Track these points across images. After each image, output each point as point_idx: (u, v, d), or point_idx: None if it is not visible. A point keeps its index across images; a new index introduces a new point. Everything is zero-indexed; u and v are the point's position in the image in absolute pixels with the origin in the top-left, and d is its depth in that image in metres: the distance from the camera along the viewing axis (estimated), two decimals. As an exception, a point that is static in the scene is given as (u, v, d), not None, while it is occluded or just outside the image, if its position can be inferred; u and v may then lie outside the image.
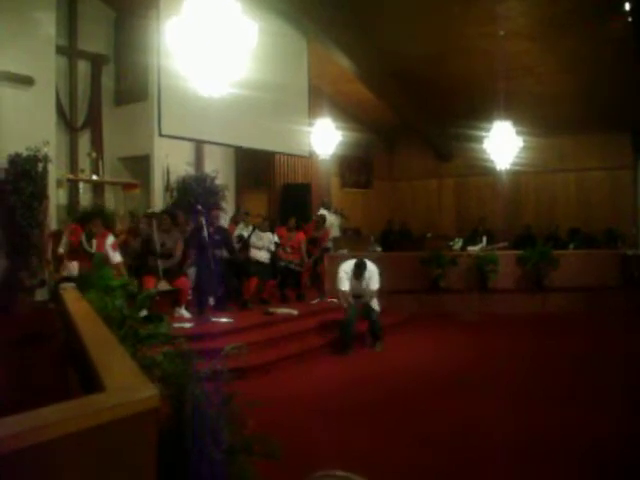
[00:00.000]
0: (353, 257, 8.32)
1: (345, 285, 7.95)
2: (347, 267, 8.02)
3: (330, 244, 11.61)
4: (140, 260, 7.89)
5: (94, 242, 7.18)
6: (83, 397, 1.92)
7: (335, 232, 12.26)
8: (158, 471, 1.73)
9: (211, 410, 2.30)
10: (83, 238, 7.16)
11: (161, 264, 7.81)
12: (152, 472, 1.70)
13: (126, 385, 1.82)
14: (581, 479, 3.87)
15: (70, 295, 4.68)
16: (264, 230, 9.71)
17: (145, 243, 7.99)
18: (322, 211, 12.29)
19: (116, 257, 7.25)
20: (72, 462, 1.50)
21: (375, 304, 8.08)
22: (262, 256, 9.50)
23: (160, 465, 1.75)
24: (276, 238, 9.94)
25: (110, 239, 7.33)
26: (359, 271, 7.86)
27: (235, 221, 10.53)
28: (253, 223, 10.26)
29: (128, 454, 1.63)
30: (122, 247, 7.76)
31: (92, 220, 7.28)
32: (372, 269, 8.03)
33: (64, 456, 1.48)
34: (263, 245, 9.55)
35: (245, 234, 9.87)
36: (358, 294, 8.03)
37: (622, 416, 4.99)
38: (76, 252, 7.13)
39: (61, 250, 7.31)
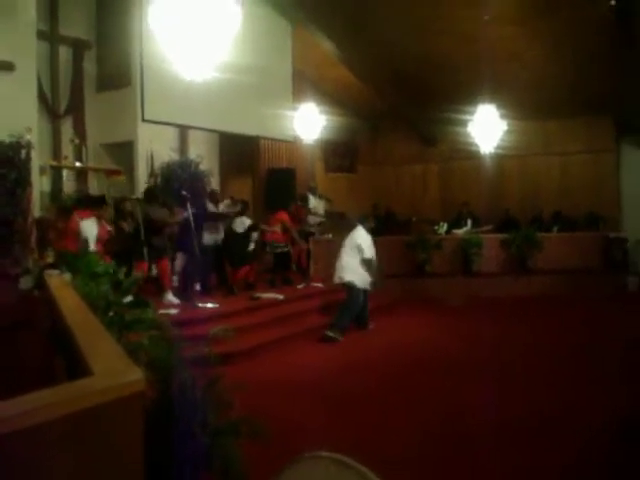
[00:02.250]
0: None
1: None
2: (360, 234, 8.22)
3: (315, 229, 11.62)
4: (133, 242, 7.82)
5: None
6: (70, 382, 1.93)
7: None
8: (145, 454, 1.75)
9: (197, 393, 2.31)
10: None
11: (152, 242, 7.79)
12: (139, 456, 1.71)
13: (112, 369, 1.83)
14: (568, 462, 3.93)
15: (55, 282, 4.66)
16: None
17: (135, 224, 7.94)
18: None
19: None
20: (59, 446, 1.51)
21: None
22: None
23: (147, 448, 1.77)
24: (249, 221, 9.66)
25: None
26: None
27: None
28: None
29: (115, 438, 1.64)
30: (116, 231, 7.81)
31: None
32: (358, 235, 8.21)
33: (51, 440, 1.49)
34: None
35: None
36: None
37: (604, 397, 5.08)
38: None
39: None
